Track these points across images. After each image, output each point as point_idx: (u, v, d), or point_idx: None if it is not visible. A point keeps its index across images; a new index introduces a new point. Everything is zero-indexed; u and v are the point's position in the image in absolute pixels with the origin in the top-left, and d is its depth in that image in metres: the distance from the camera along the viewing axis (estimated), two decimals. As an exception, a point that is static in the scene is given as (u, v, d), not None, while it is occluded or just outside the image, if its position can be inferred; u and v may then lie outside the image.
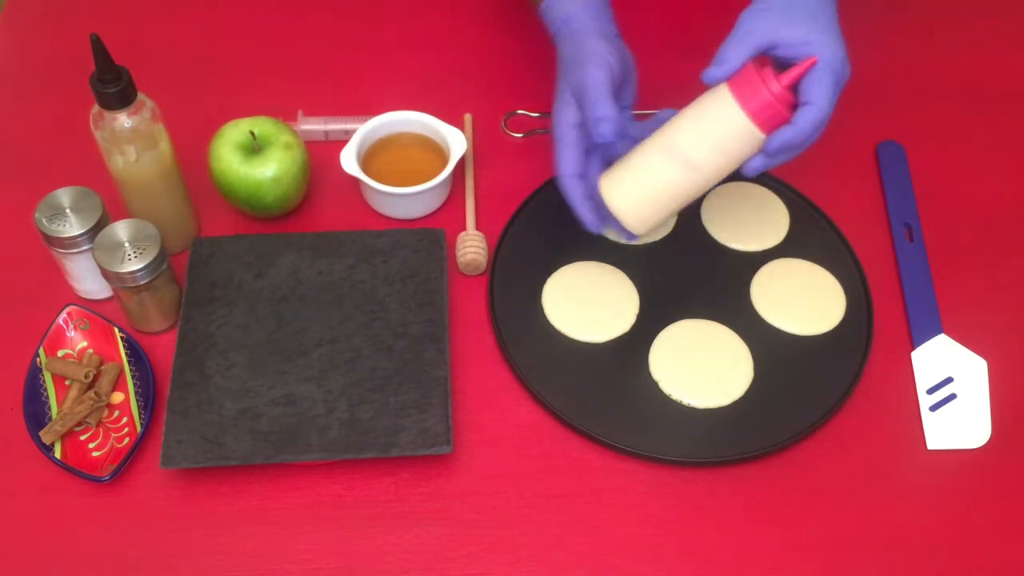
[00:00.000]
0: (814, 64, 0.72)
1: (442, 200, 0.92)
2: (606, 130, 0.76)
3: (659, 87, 0.89)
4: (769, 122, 0.73)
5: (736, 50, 0.73)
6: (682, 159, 0.75)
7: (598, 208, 0.82)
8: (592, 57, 0.78)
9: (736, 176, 0.93)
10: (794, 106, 0.73)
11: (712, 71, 0.73)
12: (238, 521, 0.75)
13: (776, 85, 0.72)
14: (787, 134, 0.73)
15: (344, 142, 0.93)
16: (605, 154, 0.84)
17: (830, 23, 0.74)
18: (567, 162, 0.81)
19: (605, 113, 0.76)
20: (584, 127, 0.79)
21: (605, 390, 0.81)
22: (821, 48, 0.72)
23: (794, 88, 0.73)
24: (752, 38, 0.73)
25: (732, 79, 0.73)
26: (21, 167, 0.95)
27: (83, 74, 0.76)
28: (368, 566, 0.74)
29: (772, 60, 0.75)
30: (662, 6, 1.09)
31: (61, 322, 0.82)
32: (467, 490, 0.77)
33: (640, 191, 0.78)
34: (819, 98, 0.72)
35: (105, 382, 0.80)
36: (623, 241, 0.88)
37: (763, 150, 0.74)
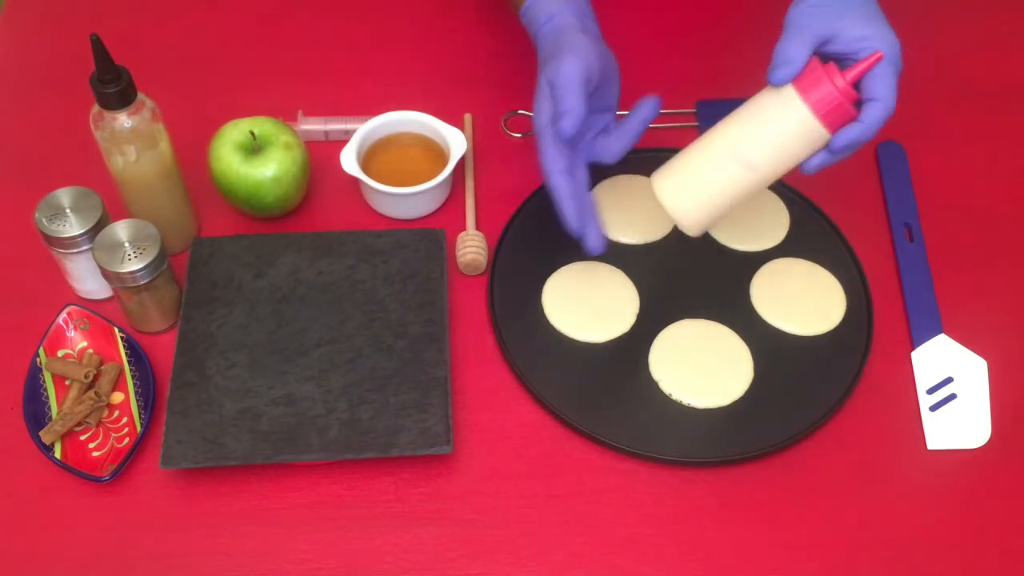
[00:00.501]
0: (880, 59, 0.70)
1: (442, 200, 0.92)
2: (567, 125, 0.75)
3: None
4: (836, 121, 0.72)
5: (798, 49, 0.71)
6: (741, 159, 0.74)
7: (583, 209, 0.80)
8: (569, 49, 0.77)
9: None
10: (857, 102, 0.72)
11: (779, 73, 0.71)
12: (238, 521, 0.75)
13: (841, 81, 0.70)
14: (855, 132, 0.71)
15: (344, 142, 0.93)
16: (588, 154, 0.82)
17: (880, 15, 0.73)
18: (552, 158, 0.79)
19: (569, 106, 0.75)
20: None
21: (605, 390, 0.81)
22: (880, 41, 0.71)
23: (856, 84, 0.72)
24: (809, 34, 0.71)
25: (797, 78, 0.72)
26: (21, 167, 0.95)
27: (83, 74, 0.76)
28: (368, 566, 0.74)
29: (824, 56, 0.73)
30: (647, 6, 1.09)
31: (61, 322, 0.82)
32: (467, 490, 0.77)
33: (696, 191, 0.76)
34: (885, 94, 0.71)
35: (105, 382, 0.80)
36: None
37: (827, 148, 0.73)
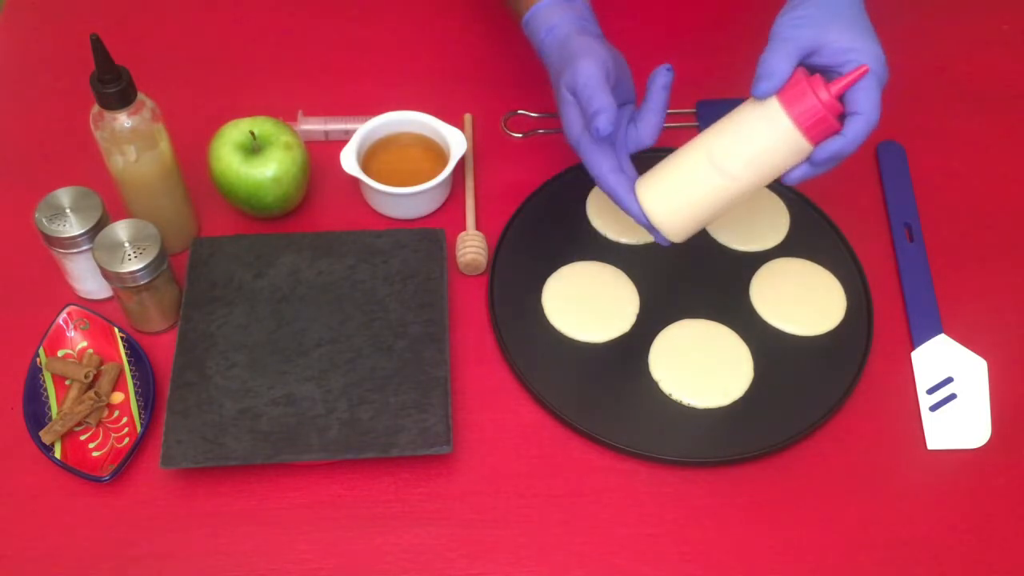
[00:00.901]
0: (865, 73, 0.70)
1: (442, 200, 0.92)
2: (603, 123, 0.74)
3: (644, 86, 0.88)
4: (819, 134, 0.71)
5: (782, 61, 0.71)
6: (722, 169, 0.74)
7: None
8: (581, 52, 0.77)
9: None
10: (841, 115, 0.71)
11: (763, 86, 0.71)
12: (238, 521, 0.75)
13: (826, 94, 0.70)
14: (836, 145, 0.71)
15: (344, 142, 0.93)
16: (627, 148, 0.81)
17: (868, 28, 0.73)
18: (598, 160, 0.78)
19: (600, 105, 0.75)
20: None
21: (605, 390, 0.81)
22: (865, 55, 0.70)
23: (840, 96, 0.71)
24: (793, 46, 0.71)
25: (781, 90, 0.71)
26: (21, 167, 0.95)
27: (83, 74, 0.76)
28: (368, 566, 0.74)
29: (809, 67, 0.73)
30: (647, 7, 1.09)
31: (61, 322, 0.82)
32: (467, 490, 0.77)
33: (679, 199, 0.76)
34: (868, 108, 0.70)
35: (105, 382, 0.80)
36: (661, 243, 0.81)
37: (809, 160, 0.73)
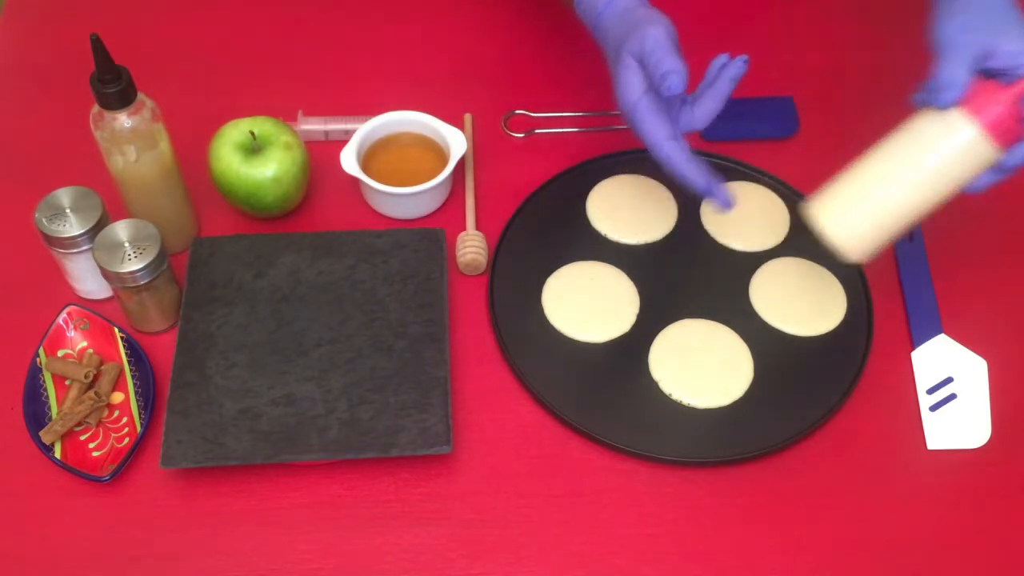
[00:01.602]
0: None
1: (442, 200, 0.92)
2: (675, 82, 0.73)
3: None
4: (1009, 140, 0.70)
5: (960, 69, 0.69)
6: (908, 182, 0.73)
7: (703, 167, 0.78)
8: (649, 19, 0.76)
9: (735, 176, 0.94)
10: (1020, 118, 0.70)
11: (945, 96, 0.70)
12: (238, 521, 0.75)
13: (1009, 99, 0.69)
14: None
15: (344, 142, 0.93)
16: (683, 124, 0.79)
17: None
18: (656, 128, 0.77)
19: (672, 66, 0.74)
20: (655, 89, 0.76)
21: (605, 390, 0.81)
22: None
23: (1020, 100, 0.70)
24: (967, 53, 0.70)
25: (962, 99, 0.70)
26: (21, 167, 0.95)
27: (83, 74, 0.76)
28: (368, 566, 0.74)
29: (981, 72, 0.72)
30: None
31: (61, 322, 0.82)
32: (467, 490, 0.77)
33: (859, 217, 0.75)
34: None
35: (105, 382, 0.80)
36: (724, 212, 0.80)
37: (998, 166, 0.72)
